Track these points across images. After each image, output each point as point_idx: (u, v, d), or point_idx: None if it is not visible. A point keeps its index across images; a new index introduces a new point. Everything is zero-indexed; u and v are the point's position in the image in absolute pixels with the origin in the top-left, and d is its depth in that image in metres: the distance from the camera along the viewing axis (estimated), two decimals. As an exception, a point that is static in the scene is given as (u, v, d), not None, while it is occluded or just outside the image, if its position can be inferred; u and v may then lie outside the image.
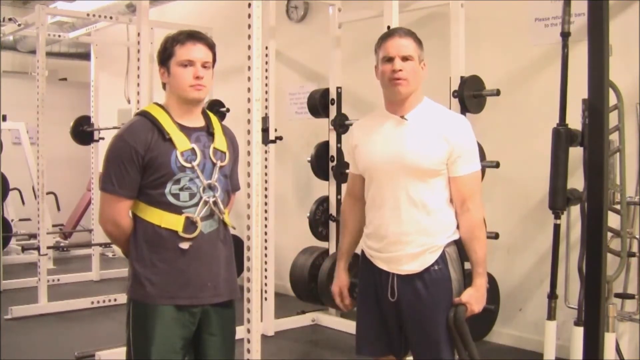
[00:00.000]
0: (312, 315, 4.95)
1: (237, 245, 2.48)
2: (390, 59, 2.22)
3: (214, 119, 2.31)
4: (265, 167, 4.57)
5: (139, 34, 4.38)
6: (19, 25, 5.89)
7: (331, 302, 4.62)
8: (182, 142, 2.16)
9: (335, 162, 4.77)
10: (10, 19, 5.82)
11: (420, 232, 2.22)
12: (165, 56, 2.20)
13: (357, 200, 2.45)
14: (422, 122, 2.24)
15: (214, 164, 2.21)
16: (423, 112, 2.27)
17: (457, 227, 2.28)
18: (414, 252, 2.22)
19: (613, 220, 3.19)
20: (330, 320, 4.87)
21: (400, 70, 2.19)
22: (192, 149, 2.17)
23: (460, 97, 3.96)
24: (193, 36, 2.19)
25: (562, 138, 3.32)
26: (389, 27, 3.80)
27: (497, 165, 3.77)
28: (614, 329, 3.17)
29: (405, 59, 2.20)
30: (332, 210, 4.76)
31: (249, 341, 3.03)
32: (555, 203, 3.35)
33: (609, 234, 3.32)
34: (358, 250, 2.47)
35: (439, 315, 2.21)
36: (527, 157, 4.25)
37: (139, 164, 2.12)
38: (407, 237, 2.23)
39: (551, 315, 3.41)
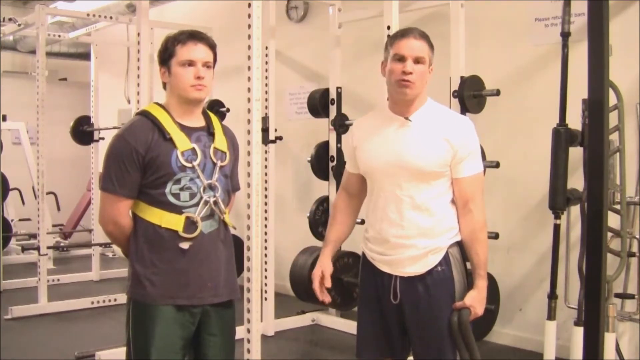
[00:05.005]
0: (312, 315, 4.95)
1: (237, 245, 2.48)
2: (402, 59, 2.17)
3: (214, 118, 2.31)
4: (265, 167, 4.57)
5: (139, 34, 4.37)
6: (19, 25, 5.90)
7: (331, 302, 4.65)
8: (182, 142, 2.16)
9: (335, 162, 4.77)
10: (10, 19, 5.82)
11: (422, 235, 2.21)
12: (166, 56, 2.20)
13: (351, 197, 2.44)
14: (425, 124, 2.22)
15: (214, 164, 2.21)
16: (426, 113, 2.24)
17: (459, 228, 2.27)
18: (416, 255, 2.21)
19: (613, 220, 3.19)
20: (330, 320, 4.87)
21: (411, 73, 2.16)
22: (193, 149, 2.17)
23: (460, 97, 3.96)
24: (194, 36, 2.19)
25: (562, 138, 3.32)
26: (388, 27, 3.80)
27: (497, 165, 3.77)
28: (614, 329, 3.17)
29: (417, 61, 2.17)
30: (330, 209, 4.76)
31: (249, 341, 3.03)
32: (555, 203, 3.35)
33: (609, 234, 3.32)
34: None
35: (442, 316, 2.20)
36: (527, 157, 4.25)
37: (139, 163, 2.12)
38: (409, 241, 2.21)
39: (551, 315, 3.41)
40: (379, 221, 2.27)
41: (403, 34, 2.22)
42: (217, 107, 5.56)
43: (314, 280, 2.38)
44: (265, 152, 4.59)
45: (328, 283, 2.36)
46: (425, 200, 2.21)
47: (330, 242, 2.44)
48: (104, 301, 5.54)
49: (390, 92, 2.27)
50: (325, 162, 4.82)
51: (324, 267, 2.38)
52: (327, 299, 2.40)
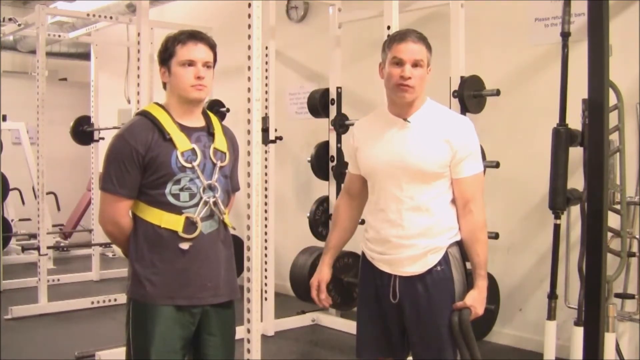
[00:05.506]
0: (312, 315, 4.95)
1: (237, 246, 2.48)
2: (400, 62, 2.17)
3: (214, 119, 2.31)
4: (265, 167, 4.57)
5: (139, 34, 4.38)
6: (19, 25, 5.89)
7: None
8: (182, 142, 2.16)
9: (335, 162, 4.77)
10: (10, 19, 5.82)
11: (422, 235, 2.21)
12: (166, 56, 2.20)
13: (353, 198, 2.44)
14: (425, 125, 2.22)
15: (214, 164, 2.21)
16: (426, 114, 2.24)
17: (459, 228, 2.27)
18: (416, 254, 2.21)
19: (613, 220, 3.19)
20: (330, 320, 4.87)
21: (410, 77, 2.15)
22: (193, 149, 2.17)
23: (460, 97, 3.96)
24: (194, 36, 2.19)
25: (562, 138, 3.32)
26: (388, 27, 3.80)
27: (497, 165, 3.77)
28: (614, 329, 3.17)
29: (415, 64, 2.17)
30: (332, 211, 4.76)
31: (249, 341, 3.03)
32: (555, 203, 3.35)
33: (609, 234, 3.32)
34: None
35: (441, 315, 2.20)
36: (527, 157, 4.25)
37: (139, 163, 2.12)
38: (410, 241, 2.22)
39: (551, 315, 3.41)
40: (379, 221, 2.27)
41: (401, 37, 2.21)
42: (217, 107, 5.56)
43: (311, 289, 2.44)
44: (265, 152, 4.59)
45: (323, 293, 2.41)
46: (425, 200, 2.21)
47: (330, 250, 2.46)
48: (104, 301, 5.54)
49: (388, 95, 2.27)
50: (325, 162, 4.82)
51: (321, 277, 2.43)
52: (326, 304, 2.45)
